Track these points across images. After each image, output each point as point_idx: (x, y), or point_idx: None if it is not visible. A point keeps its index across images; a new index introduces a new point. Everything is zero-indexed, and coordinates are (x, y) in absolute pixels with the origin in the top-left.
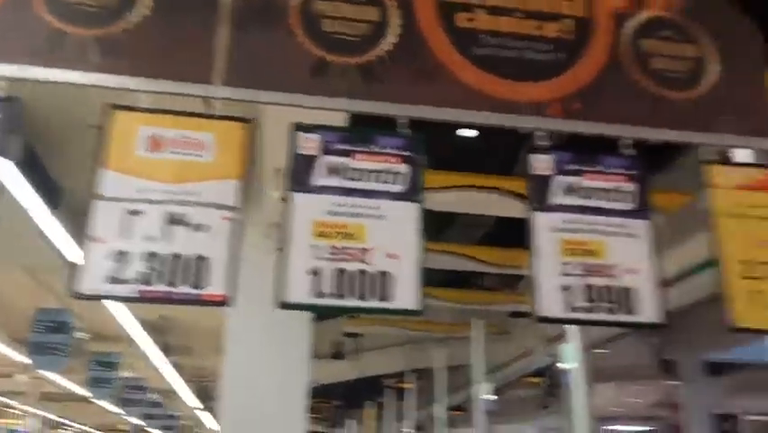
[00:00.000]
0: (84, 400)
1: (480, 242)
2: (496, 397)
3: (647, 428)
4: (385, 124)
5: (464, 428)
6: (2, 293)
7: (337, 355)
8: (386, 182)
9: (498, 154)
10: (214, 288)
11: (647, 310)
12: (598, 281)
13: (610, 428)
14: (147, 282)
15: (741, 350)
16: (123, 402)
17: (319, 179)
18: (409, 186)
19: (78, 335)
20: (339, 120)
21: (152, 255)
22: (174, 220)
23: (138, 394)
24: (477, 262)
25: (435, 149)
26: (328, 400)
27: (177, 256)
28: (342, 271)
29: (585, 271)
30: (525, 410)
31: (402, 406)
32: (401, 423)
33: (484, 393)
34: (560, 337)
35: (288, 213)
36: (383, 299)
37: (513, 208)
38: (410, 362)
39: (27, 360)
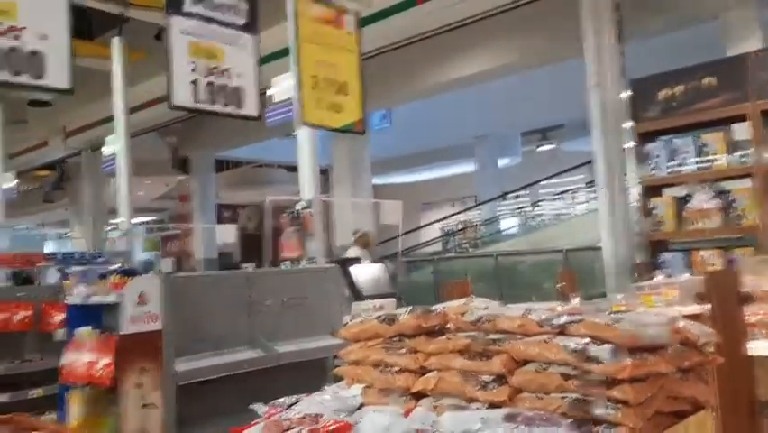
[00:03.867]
0: None
1: None
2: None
3: (155, 217)
4: None
5: None
6: None
7: None
8: None
9: None
10: None
11: (250, 106)
12: (217, 80)
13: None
14: None
15: (241, 150)
16: None
17: None
18: None
19: None
20: None
21: None
22: None
23: None
24: None
25: None
26: None
27: None
28: None
29: (208, 72)
30: (28, 204)
31: None
32: None
33: (6, 184)
34: (79, 130)
35: None
36: (37, 77)
37: None
38: None
39: None
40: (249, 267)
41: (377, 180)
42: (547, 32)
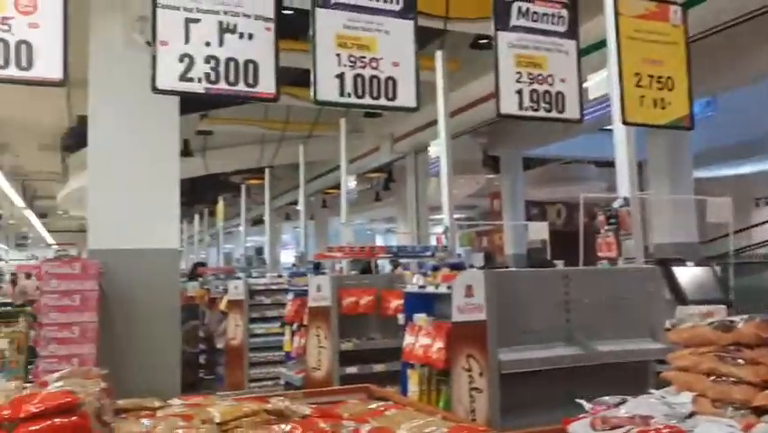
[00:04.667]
0: None
1: None
2: (353, 186)
3: (465, 215)
4: None
5: (293, 220)
6: None
7: (186, 153)
8: (386, 1)
9: None
10: (265, 86)
11: (572, 110)
12: (540, 87)
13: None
14: (212, 81)
15: (546, 148)
16: None
17: None
18: (405, 4)
19: None
20: None
21: (212, 58)
22: (226, 29)
23: None
24: None
25: None
26: None
27: (231, 60)
28: (359, 75)
29: (531, 80)
30: (361, 202)
31: (246, 202)
32: (247, 215)
33: (349, 185)
34: (404, 136)
35: (314, 25)
36: (390, 99)
37: None
38: (261, 159)
39: None
40: (559, 264)
41: (699, 174)
42: None
